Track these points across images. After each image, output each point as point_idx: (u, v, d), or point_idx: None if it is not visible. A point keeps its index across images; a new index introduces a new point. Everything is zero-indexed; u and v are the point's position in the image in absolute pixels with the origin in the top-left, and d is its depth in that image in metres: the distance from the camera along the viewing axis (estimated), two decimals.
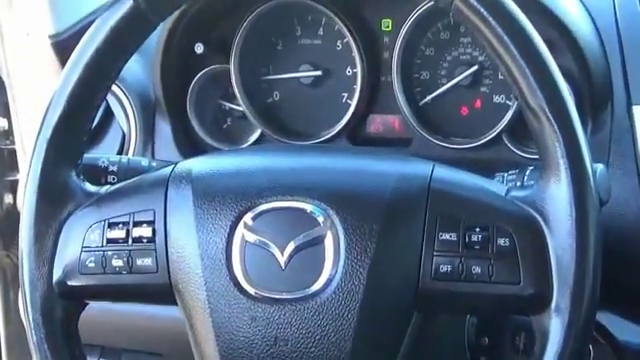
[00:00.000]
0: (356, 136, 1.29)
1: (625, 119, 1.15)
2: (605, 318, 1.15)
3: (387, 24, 1.28)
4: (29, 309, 0.89)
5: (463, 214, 0.84)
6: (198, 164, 0.91)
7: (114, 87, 1.29)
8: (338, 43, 1.29)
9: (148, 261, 0.88)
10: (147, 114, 1.32)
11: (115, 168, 1.02)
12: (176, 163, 0.93)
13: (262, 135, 1.31)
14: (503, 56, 0.84)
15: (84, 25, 1.29)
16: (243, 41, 1.28)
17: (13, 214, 1.57)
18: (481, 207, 0.85)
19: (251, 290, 0.84)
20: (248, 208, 0.86)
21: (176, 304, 0.89)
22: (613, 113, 1.16)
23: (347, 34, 1.25)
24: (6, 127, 1.57)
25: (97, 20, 0.90)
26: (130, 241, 0.89)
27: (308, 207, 0.85)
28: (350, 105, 1.27)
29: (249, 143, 1.32)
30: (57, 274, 0.89)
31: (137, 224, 0.89)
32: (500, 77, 1.23)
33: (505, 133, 1.21)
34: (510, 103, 1.22)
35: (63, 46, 1.29)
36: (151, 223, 0.88)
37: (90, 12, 1.32)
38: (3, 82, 1.38)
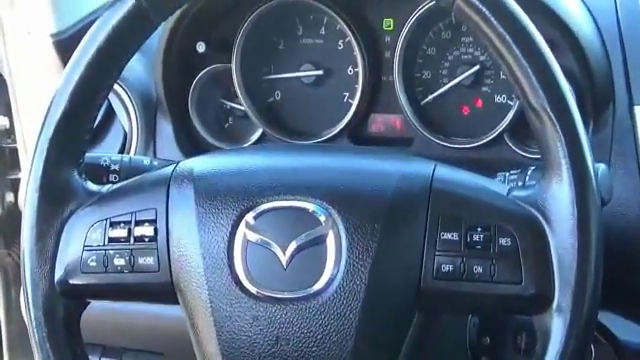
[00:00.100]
0: (357, 136, 1.29)
1: (627, 119, 1.15)
2: (606, 318, 1.15)
3: (389, 23, 1.28)
4: (31, 308, 0.89)
5: (465, 214, 0.84)
6: (200, 163, 0.91)
7: (116, 86, 1.29)
8: (340, 42, 1.29)
9: (150, 260, 0.88)
10: (149, 113, 1.32)
11: (117, 167, 1.02)
12: (178, 162, 0.93)
13: (263, 134, 1.31)
14: (505, 56, 0.84)
15: (86, 24, 1.29)
16: (245, 40, 1.28)
17: (14, 213, 1.57)
18: (483, 207, 0.85)
19: (253, 289, 0.84)
20: (250, 207, 0.86)
21: (178, 303, 0.89)
22: (615, 113, 1.16)
23: (349, 33, 1.25)
24: (7, 126, 1.57)
25: (99, 19, 0.90)
26: (132, 240, 0.89)
27: (310, 206, 0.85)
28: (351, 105, 1.27)
29: (250, 142, 1.32)
30: (59, 273, 0.89)
31: (139, 223, 0.89)
32: (502, 77, 1.23)
33: (507, 133, 1.21)
34: (512, 103, 1.22)
35: (64, 45, 1.29)
36: (153, 222, 0.88)
37: (92, 11, 1.32)
38: (4, 81, 1.38)
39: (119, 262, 0.89)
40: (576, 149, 0.83)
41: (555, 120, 0.82)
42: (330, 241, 0.84)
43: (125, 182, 0.94)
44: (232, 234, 0.86)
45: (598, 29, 1.19)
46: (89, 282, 0.90)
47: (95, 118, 0.94)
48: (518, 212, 0.84)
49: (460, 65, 1.24)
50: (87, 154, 0.95)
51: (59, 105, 0.90)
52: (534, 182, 0.89)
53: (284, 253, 0.84)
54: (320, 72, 1.30)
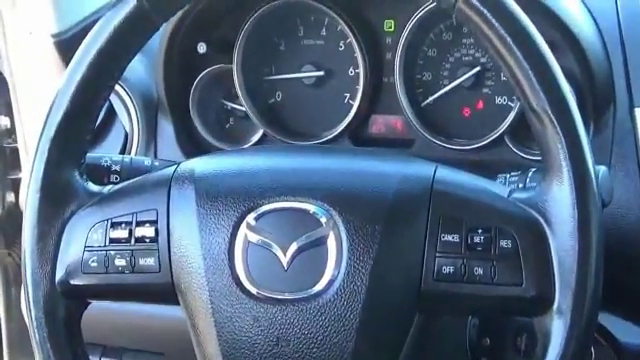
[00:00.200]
0: (358, 137, 1.29)
1: (627, 121, 1.15)
2: (606, 319, 1.15)
3: (390, 25, 1.28)
4: (32, 308, 0.89)
5: (465, 215, 0.84)
6: (201, 164, 0.91)
7: (117, 87, 1.29)
8: (341, 43, 1.30)
9: (151, 261, 0.88)
10: (150, 114, 1.32)
11: (118, 168, 1.02)
12: (179, 163, 0.93)
13: (264, 135, 1.31)
14: (506, 57, 0.84)
15: (87, 24, 1.29)
16: (246, 41, 1.28)
17: (15, 213, 1.57)
18: (483, 208, 0.85)
19: (253, 290, 0.84)
20: (251, 208, 0.86)
21: (178, 304, 0.89)
22: (615, 115, 1.16)
23: (350, 35, 1.25)
24: (8, 125, 1.57)
25: (100, 20, 0.90)
26: (133, 241, 0.89)
27: (311, 208, 0.85)
28: (352, 106, 1.27)
29: (251, 143, 1.32)
30: (60, 273, 0.89)
31: (140, 224, 0.89)
32: (502, 78, 1.23)
33: (507, 134, 1.21)
34: (512, 104, 1.22)
35: (66, 45, 1.29)
36: (154, 223, 0.89)
37: (93, 11, 1.33)
38: (6, 81, 1.38)
39: (120, 263, 0.89)
40: (577, 151, 0.83)
41: (556, 122, 0.82)
42: (331, 242, 0.84)
43: (126, 183, 0.94)
44: (233, 235, 0.86)
45: (599, 30, 1.19)
46: (90, 282, 0.90)
47: (96, 118, 0.94)
48: (519, 214, 0.84)
49: (461, 66, 1.24)
50: (88, 154, 0.95)
51: (60, 105, 0.90)
52: (535, 184, 0.89)
53: (285, 254, 0.84)
54: (321, 73, 1.30)
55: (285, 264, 0.84)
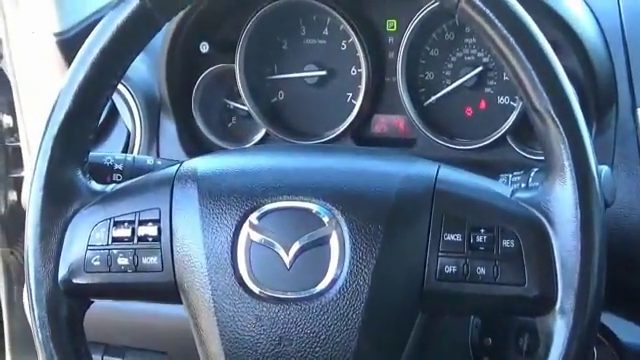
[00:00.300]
0: (360, 136, 1.29)
1: (630, 121, 1.15)
2: (609, 320, 1.15)
3: (392, 24, 1.28)
4: (35, 307, 0.89)
5: (468, 215, 0.84)
6: (203, 163, 0.92)
7: (119, 86, 1.29)
8: (343, 43, 1.30)
9: (153, 260, 0.88)
10: (152, 113, 1.32)
11: (120, 167, 1.02)
12: (181, 162, 0.93)
13: (266, 134, 1.31)
14: (508, 57, 0.84)
15: (90, 24, 1.30)
16: (248, 40, 1.28)
17: (17, 211, 1.57)
18: (486, 208, 0.85)
19: (256, 289, 0.84)
20: (253, 207, 0.86)
21: (181, 303, 0.89)
22: (618, 115, 1.16)
23: (352, 34, 1.25)
24: (11, 124, 1.57)
25: (103, 19, 0.90)
26: (135, 240, 0.89)
27: (313, 207, 0.85)
28: (355, 105, 1.27)
29: (253, 142, 1.32)
30: (62, 272, 0.89)
31: (142, 223, 0.89)
32: (505, 78, 1.23)
33: (510, 134, 1.21)
34: (515, 104, 1.22)
35: (68, 45, 1.29)
36: (156, 222, 0.89)
37: (95, 10, 1.33)
38: (8, 79, 1.38)
39: (123, 262, 0.89)
40: (579, 151, 0.83)
41: (558, 122, 0.82)
42: (333, 242, 0.84)
43: (129, 182, 0.94)
44: (236, 234, 0.86)
45: (601, 31, 1.19)
46: (93, 281, 0.90)
47: (99, 118, 0.94)
48: (521, 214, 0.84)
49: (463, 66, 1.24)
50: (91, 153, 0.95)
51: (63, 104, 0.90)
52: (537, 184, 0.89)
53: (287, 253, 0.84)
54: (323, 72, 1.30)
55: (288, 263, 0.84)
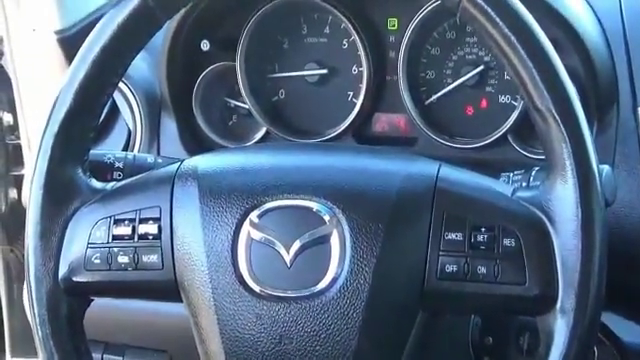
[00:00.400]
0: (361, 135, 1.29)
1: (631, 120, 1.15)
2: (609, 319, 1.15)
3: (393, 23, 1.28)
4: (35, 305, 0.89)
5: (469, 214, 0.84)
6: (204, 161, 0.91)
7: (120, 84, 1.29)
8: (344, 42, 1.30)
9: (154, 258, 0.88)
10: (153, 111, 1.32)
11: (121, 165, 1.02)
12: (182, 160, 0.93)
13: (267, 133, 1.31)
14: (510, 56, 0.84)
15: (91, 21, 1.30)
16: (249, 39, 1.28)
17: (18, 209, 1.57)
18: (487, 207, 0.85)
19: (256, 288, 0.84)
20: (254, 206, 0.86)
21: (181, 301, 0.89)
22: (619, 114, 1.16)
23: (353, 33, 1.25)
24: (11, 122, 1.57)
25: (104, 17, 0.90)
26: (136, 238, 0.89)
27: (314, 205, 0.85)
28: (356, 104, 1.27)
29: (254, 141, 1.32)
30: (63, 270, 0.89)
31: (143, 221, 0.89)
32: (506, 77, 1.23)
33: (511, 133, 1.21)
34: (516, 103, 1.22)
35: (69, 42, 1.29)
36: (157, 220, 0.89)
37: (97, 8, 1.33)
38: (9, 77, 1.38)
39: (123, 260, 0.89)
40: (580, 150, 0.83)
41: (560, 121, 0.82)
42: (334, 240, 0.84)
43: (129, 180, 0.94)
44: (236, 232, 0.86)
45: (603, 30, 1.19)
46: (93, 280, 0.90)
47: (100, 116, 0.94)
48: (522, 213, 0.84)
49: (464, 65, 1.24)
50: (91, 151, 0.95)
51: (64, 102, 0.90)
52: (538, 183, 0.89)
53: (288, 252, 0.84)
54: (324, 71, 1.30)
55: (288, 262, 0.84)
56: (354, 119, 1.27)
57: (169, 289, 0.88)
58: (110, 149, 1.10)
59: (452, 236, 0.84)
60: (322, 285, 0.83)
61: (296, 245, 0.84)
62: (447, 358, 1.14)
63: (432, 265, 0.84)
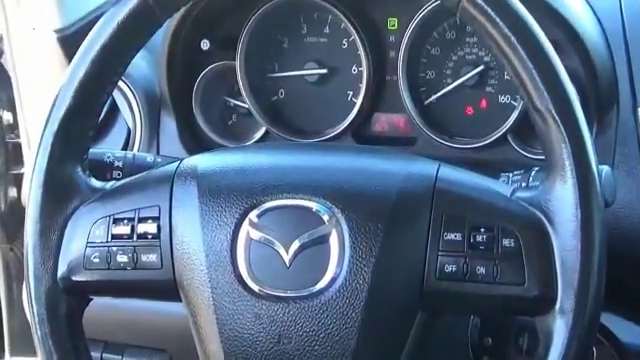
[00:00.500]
0: (361, 134, 1.29)
1: (630, 121, 1.15)
2: (608, 319, 1.15)
3: (393, 23, 1.28)
4: (34, 304, 0.89)
5: (468, 214, 0.84)
6: (203, 161, 0.91)
7: (120, 83, 1.29)
8: (344, 41, 1.29)
9: (153, 257, 0.88)
10: (153, 110, 1.32)
11: (120, 164, 1.02)
12: (181, 159, 0.93)
13: (267, 132, 1.31)
14: (510, 57, 0.84)
15: (90, 20, 1.30)
16: (249, 38, 1.28)
17: (17, 208, 1.57)
18: (486, 207, 0.85)
19: (255, 288, 0.84)
20: (253, 205, 0.86)
21: (180, 300, 0.89)
22: (619, 115, 1.16)
23: (353, 32, 1.25)
24: (11, 120, 1.57)
25: (104, 15, 0.90)
26: (135, 237, 0.89)
27: (313, 205, 0.85)
28: (355, 103, 1.27)
29: (254, 140, 1.32)
30: (62, 269, 0.89)
31: (142, 220, 0.89)
32: (506, 77, 1.23)
33: (510, 133, 1.21)
34: (515, 103, 1.22)
35: (69, 41, 1.29)
36: (156, 219, 0.89)
37: (96, 7, 1.33)
38: (9, 76, 1.38)
39: (122, 259, 0.89)
40: (580, 151, 0.82)
41: (559, 121, 0.82)
42: (333, 240, 0.84)
43: (129, 179, 0.94)
44: (235, 232, 0.86)
45: (603, 31, 1.19)
46: (92, 279, 0.90)
47: (99, 114, 0.94)
48: (521, 213, 0.84)
49: (464, 65, 1.24)
50: (91, 150, 0.95)
51: (63, 101, 0.90)
52: (538, 183, 0.89)
53: (287, 252, 0.84)
54: (324, 71, 1.30)
55: (287, 261, 0.84)
56: (354, 119, 1.27)
57: (168, 288, 0.88)
58: (110, 148, 1.10)
59: (451, 236, 0.84)
60: (321, 285, 0.83)
61: (295, 245, 0.84)
62: (446, 358, 1.14)
63: (431, 265, 0.84)
